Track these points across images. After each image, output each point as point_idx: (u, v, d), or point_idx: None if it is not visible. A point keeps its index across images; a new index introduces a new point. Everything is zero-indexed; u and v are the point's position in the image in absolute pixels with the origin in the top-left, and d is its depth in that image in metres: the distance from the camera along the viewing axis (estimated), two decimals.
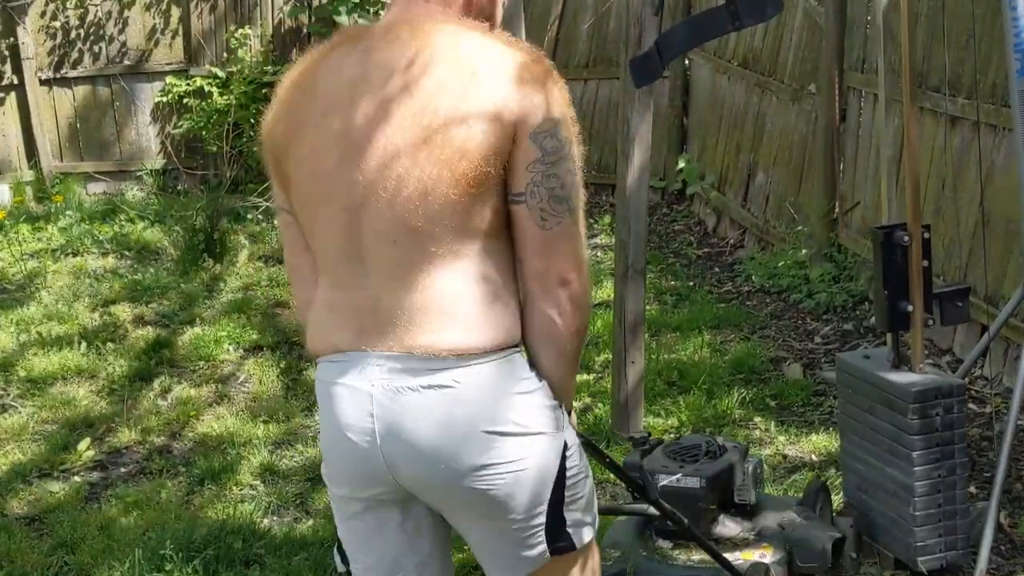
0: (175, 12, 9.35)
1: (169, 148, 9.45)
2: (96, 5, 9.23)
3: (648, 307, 5.05)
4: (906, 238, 3.25)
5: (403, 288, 1.97)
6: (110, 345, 5.79)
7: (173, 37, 9.41)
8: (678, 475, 3.17)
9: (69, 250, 7.58)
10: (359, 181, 1.96)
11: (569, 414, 2.15)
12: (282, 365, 5.51)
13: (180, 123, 9.33)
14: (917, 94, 5.25)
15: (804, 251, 6.20)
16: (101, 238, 7.79)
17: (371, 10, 8.86)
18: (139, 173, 9.37)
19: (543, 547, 2.05)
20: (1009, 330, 4.38)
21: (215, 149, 9.03)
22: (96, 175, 9.38)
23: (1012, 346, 4.56)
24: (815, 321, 5.74)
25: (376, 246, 1.98)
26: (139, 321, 6.19)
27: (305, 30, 9.27)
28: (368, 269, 2.00)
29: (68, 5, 9.13)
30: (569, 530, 2.07)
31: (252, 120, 9.07)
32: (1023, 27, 3.22)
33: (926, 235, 3.27)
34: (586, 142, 2.09)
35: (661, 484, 3.13)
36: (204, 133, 9.12)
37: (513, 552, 2.06)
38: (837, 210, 6.11)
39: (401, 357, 1.96)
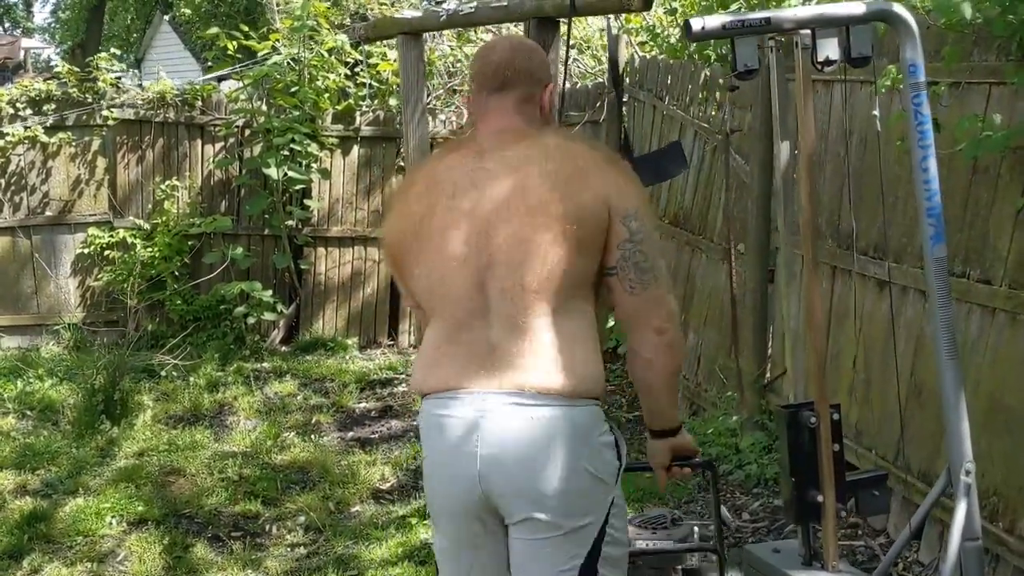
0: (101, 163, 9.10)
1: (88, 301, 9.11)
2: (19, 155, 8.97)
3: None
4: (813, 419, 2.93)
5: (517, 337, 2.40)
6: None
7: (98, 188, 9.13)
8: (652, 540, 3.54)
9: None
10: (486, 248, 2.43)
11: (677, 431, 2.66)
12: (166, 541, 5.04)
13: (100, 275, 9.00)
14: (842, 258, 5.02)
15: (735, 418, 5.86)
16: (4, 396, 7.36)
17: (302, 163, 8.66)
18: (56, 327, 8.98)
19: None
20: (943, 511, 4.03)
21: (136, 302, 8.70)
22: (11, 329, 8.99)
23: (947, 528, 4.20)
24: (744, 495, 5.37)
25: (498, 300, 2.42)
26: (20, 490, 5.72)
27: (234, 183, 9.02)
28: (489, 321, 2.43)
29: None
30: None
31: (176, 272, 8.79)
32: (935, 190, 2.96)
33: (835, 416, 2.95)
34: None
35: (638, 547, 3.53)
36: (125, 286, 8.78)
37: None
38: (768, 376, 5.80)
39: (511, 393, 2.38)
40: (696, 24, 2.77)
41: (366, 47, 9.15)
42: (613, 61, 3.47)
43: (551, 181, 2.44)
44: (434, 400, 2.49)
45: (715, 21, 2.79)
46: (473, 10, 3.92)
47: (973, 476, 2.99)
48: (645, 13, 9.03)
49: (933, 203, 2.97)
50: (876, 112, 2.92)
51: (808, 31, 2.83)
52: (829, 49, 2.85)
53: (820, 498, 2.93)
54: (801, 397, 3.19)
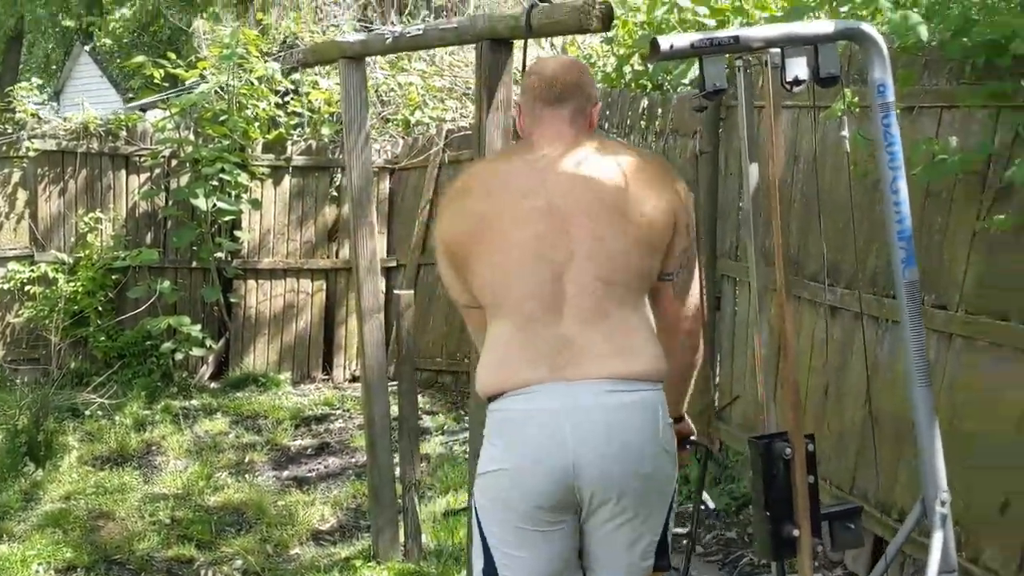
0: (22, 195, 8.79)
1: (9, 338, 8.78)
2: None
3: None
4: (788, 450, 2.82)
5: (594, 328, 2.50)
6: None
7: (18, 221, 8.82)
8: None
9: None
10: (565, 243, 2.51)
11: (682, 419, 2.89)
12: None
13: (21, 311, 8.68)
14: (793, 284, 4.96)
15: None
16: None
17: (231, 193, 8.44)
18: None
19: (651, 561, 2.60)
20: (907, 544, 3.95)
21: (59, 338, 8.39)
22: None
23: (908, 560, 4.14)
24: (696, 527, 5.25)
25: (576, 294, 2.50)
26: None
27: (161, 214, 8.77)
28: (563, 314, 2.50)
29: None
30: (669, 553, 2.63)
31: (99, 308, 8.50)
32: (906, 213, 2.89)
33: (810, 446, 2.84)
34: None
35: None
36: (47, 322, 8.46)
37: (634, 560, 2.58)
38: (716, 404, 5.71)
39: (595, 382, 2.47)
40: (664, 43, 2.67)
41: (298, 75, 8.99)
42: None
43: (626, 184, 2.55)
44: (516, 396, 2.52)
45: (683, 40, 2.69)
46: (421, 32, 3.79)
47: (949, 507, 2.91)
48: (580, 43, 9.01)
49: (904, 226, 2.89)
50: (845, 133, 2.84)
51: (777, 50, 2.74)
52: (798, 68, 2.76)
53: (795, 532, 2.81)
54: (772, 426, 3.08)
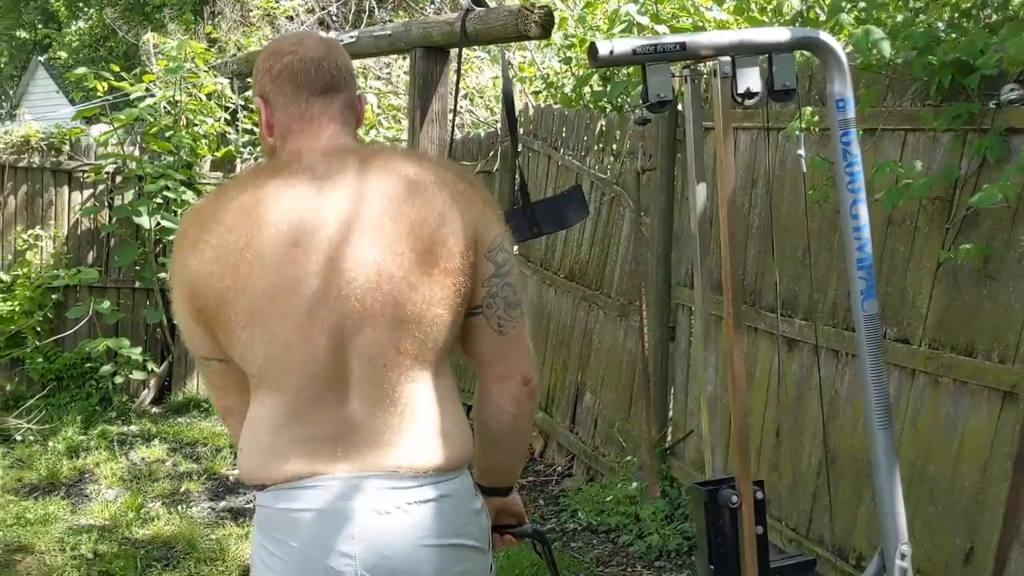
0: None
1: None
2: None
3: None
4: (734, 498, 2.57)
5: (386, 410, 2.00)
6: None
7: None
8: None
9: None
10: (352, 307, 1.97)
11: (511, 491, 2.30)
12: None
13: None
14: (750, 315, 4.72)
15: (635, 484, 5.51)
16: None
17: (177, 212, 8.15)
18: None
19: None
20: None
21: None
22: None
23: None
24: (646, 568, 5.00)
25: (364, 369, 1.99)
26: None
27: (103, 232, 8.45)
28: (349, 394, 2.00)
29: None
30: None
31: (37, 328, 8.16)
32: (867, 239, 2.65)
33: (759, 494, 2.60)
34: None
35: None
36: None
37: None
38: (670, 439, 5.47)
39: (387, 476, 1.99)
40: (604, 48, 2.43)
41: (249, 93, 8.72)
42: (508, 96, 3.11)
43: (421, 220, 1.99)
44: (281, 492, 2.01)
45: (625, 45, 2.45)
46: (354, 40, 3.54)
47: (910, 559, 2.67)
48: (539, 63, 8.79)
49: (864, 253, 2.65)
50: (801, 152, 2.61)
51: (728, 59, 2.51)
52: (750, 80, 2.53)
53: None
54: (718, 470, 2.83)
